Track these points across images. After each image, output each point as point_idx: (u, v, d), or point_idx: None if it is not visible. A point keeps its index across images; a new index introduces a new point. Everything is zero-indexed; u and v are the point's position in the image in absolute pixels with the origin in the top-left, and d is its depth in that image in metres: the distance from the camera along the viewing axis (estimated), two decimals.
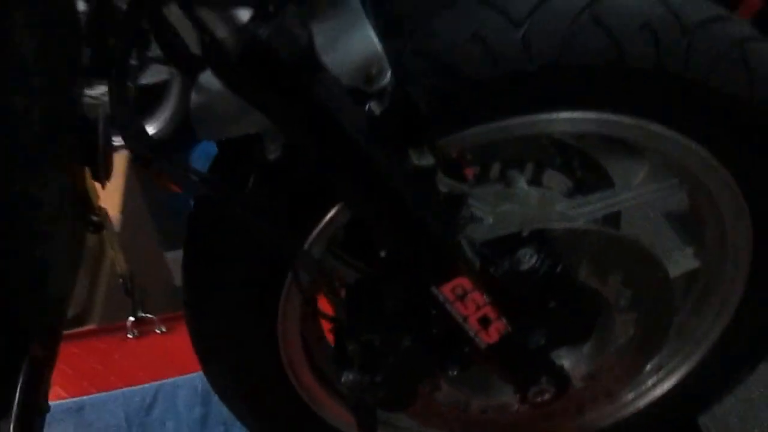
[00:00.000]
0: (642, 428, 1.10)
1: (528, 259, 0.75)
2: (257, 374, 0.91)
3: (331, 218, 0.77)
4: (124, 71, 0.58)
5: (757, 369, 1.08)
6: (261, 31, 0.52)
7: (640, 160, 0.88)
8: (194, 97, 0.65)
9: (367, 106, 0.61)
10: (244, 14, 0.53)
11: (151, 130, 2.38)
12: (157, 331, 1.40)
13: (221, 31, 0.53)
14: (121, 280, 1.33)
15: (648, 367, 1.07)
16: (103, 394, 1.28)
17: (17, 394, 0.61)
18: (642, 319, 0.93)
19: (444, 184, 0.80)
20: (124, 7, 0.59)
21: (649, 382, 1.08)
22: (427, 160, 0.68)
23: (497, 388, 0.98)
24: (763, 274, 0.93)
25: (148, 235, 2.02)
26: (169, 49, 0.65)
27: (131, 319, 1.40)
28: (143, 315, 1.40)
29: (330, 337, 0.89)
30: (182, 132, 2.26)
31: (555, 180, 0.99)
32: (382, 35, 0.63)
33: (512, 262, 0.75)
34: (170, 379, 1.31)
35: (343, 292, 0.79)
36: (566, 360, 0.98)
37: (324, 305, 0.86)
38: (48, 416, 1.25)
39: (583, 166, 0.99)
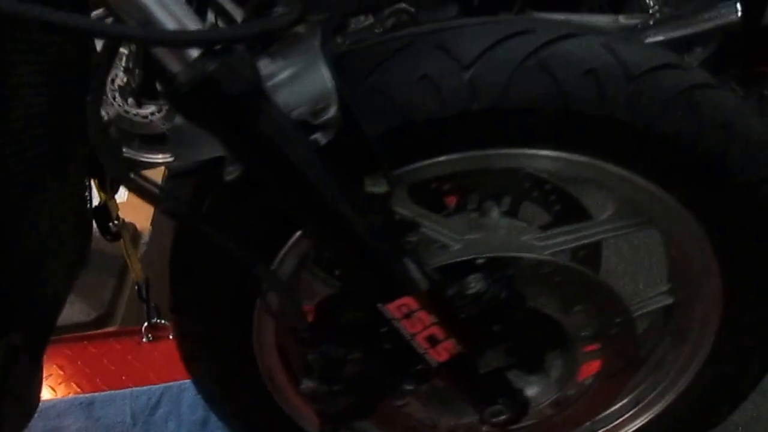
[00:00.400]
0: None
1: (475, 284, 0.80)
2: (235, 379, 0.98)
3: (299, 237, 0.83)
4: (99, 98, 0.67)
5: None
6: (208, 66, 0.60)
7: (609, 195, 0.91)
8: (173, 122, 0.73)
9: (313, 137, 0.68)
10: (195, 52, 0.61)
11: None
12: (170, 337, 1.49)
13: (173, 66, 0.61)
14: (137, 287, 1.43)
15: (625, 399, 1.10)
16: (113, 392, 1.37)
17: None
18: (606, 350, 0.96)
19: (411, 210, 0.86)
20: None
21: (626, 415, 1.11)
22: (381, 188, 0.74)
23: (465, 409, 1.02)
24: (736, 309, 0.94)
25: None
26: (157, 79, 0.73)
27: (146, 324, 1.49)
28: (158, 321, 1.49)
29: None
30: None
31: (532, 212, 1.04)
32: (339, 72, 0.70)
33: (460, 286, 0.80)
34: (176, 382, 1.39)
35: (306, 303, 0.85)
36: (535, 385, 1.02)
37: None
38: (60, 409, 1.36)
39: (562, 200, 1.03)
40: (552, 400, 1.01)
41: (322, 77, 0.68)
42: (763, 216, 0.84)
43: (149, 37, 0.60)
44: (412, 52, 0.75)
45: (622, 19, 1.86)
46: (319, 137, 0.68)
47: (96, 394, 1.38)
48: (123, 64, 1.89)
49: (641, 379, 1.07)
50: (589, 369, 1.00)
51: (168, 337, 1.49)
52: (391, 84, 0.75)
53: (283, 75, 0.69)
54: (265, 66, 0.69)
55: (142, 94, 2.00)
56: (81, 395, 1.38)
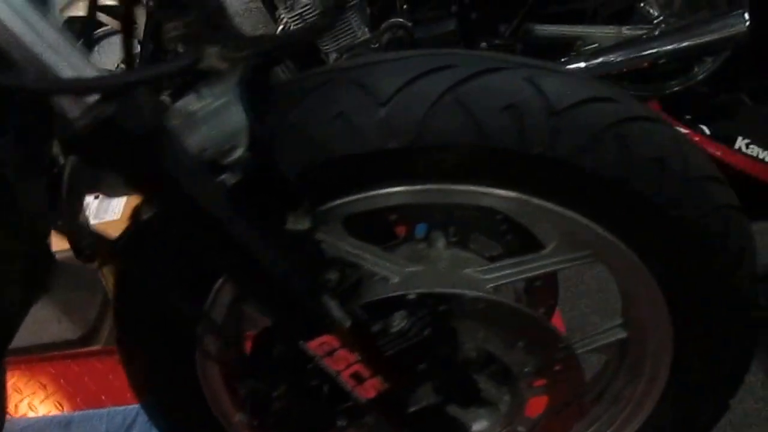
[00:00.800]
0: None
1: (399, 321, 0.79)
2: (181, 407, 0.99)
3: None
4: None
5: None
6: (106, 109, 0.60)
7: (551, 229, 0.89)
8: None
9: (221, 178, 0.68)
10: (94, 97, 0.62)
11: None
12: None
13: (72, 112, 0.61)
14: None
15: None
16: (91, 411, 1.40)
17: None
18: (552, 386, 0.94)
19: (349, 243, 0.85)
20: None
21: None
22: (303, 224, 0.74)
23: None
24: (687, 344, 0.92)
25: None
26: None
27: None
28: None
29: None
30: None
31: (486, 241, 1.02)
32: (258, 110, 0.70)
33: (385, 323, 0.79)
34: None
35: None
36: (484, 419, 1.01)
37: None
38: (38, 428, 1.39)
39: (513, 230, 1.01)
40: None
41: (234, 117, 0.69)
42: (702, 251, 0.82)
43: (48, 88, 0.60)
44: (332, 87, 0.75)
45: (626, 31, 1.83)
46: (227, 177, 0.68)
47: (74, 413, 1.40)
48: None
49: (600, 412, 1.05)
50: (540, 405, 0.98)
51: None
52: (309, 121, 0.74)
53: (201, 114, 0.70)
54: (191, 104, 0.70)
55: None
56: (59, 415, 1.40)
